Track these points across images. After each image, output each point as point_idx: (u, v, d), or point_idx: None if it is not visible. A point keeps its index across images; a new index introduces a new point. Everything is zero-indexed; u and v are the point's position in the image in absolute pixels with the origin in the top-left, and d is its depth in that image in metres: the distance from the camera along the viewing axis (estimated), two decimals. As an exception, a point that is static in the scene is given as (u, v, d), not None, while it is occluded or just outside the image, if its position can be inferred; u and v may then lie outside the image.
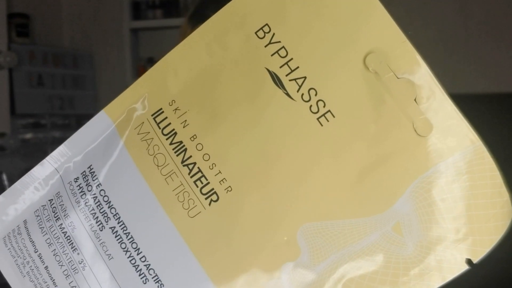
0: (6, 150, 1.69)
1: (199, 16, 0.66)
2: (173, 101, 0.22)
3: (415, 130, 0.20)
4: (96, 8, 2.13)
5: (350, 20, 0.21)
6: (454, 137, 0.20)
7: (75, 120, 2.01)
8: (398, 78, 0.21)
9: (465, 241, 0.20)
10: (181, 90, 0.22)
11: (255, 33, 0.22)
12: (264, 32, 0.22)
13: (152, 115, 0.22)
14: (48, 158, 0.24)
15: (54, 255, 0.22)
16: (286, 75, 0.21)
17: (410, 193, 0.20)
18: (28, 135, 1.85)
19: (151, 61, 2.01)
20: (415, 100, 0.20)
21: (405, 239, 0.20)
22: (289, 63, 0.21)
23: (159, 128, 0.22)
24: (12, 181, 1.53)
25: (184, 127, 0.22)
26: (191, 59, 0.23)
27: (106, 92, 2.13)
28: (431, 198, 0.20)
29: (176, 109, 0.22)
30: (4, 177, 1.49)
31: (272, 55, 0.21)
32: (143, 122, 0.23)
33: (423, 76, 0.21)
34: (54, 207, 0.23)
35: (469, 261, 0.20)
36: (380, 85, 0.21)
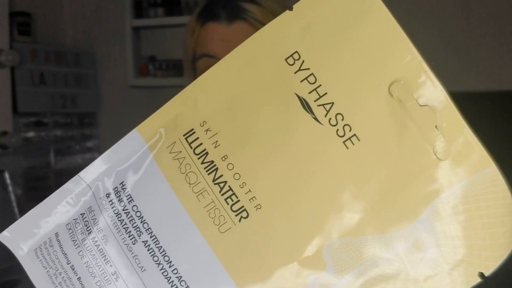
0: (8, 148, 1.69)
1: (208, 14, 0.65)
2: (204, 122, 0.23)
3: (435, 154, 0.22)
4: (98, 7, 2.13)
5: (376, 51, 0.22)
6: (471, 161, 0.22)
7: (77, 119, 2.01)
8: (420, 105, 0.22)
9: (478, 257, 0.21)
10: (212, 112, 0.23)
11: (285, 59, 0.23)
12: (294, 59, 0.23)
13: (184, 135, 0.23)
14: (80, 174, 0.25)
15: (86, 266, 0.23)
16: (315, 101, 0.22)
17: (429, 213, 0.22)
18: (30, 134, 1.85)
19: (153, 59, 2.01)
20: (436, 126, 0.22)
21: (424, 255, 0.22)
22: (317, 89, 0.22)
23: (191, 148, 0.23)
24: (14, 179, 1.54)
25: (215, 147, 0.23)
26: (223, 82, 0.24)
27: (108, 90, 2.13)
28: (448, 217, 0.22)
29: (207, 130, 0.23)
30: (6, 175, 1.49)
31: (301, 81, 0.22)
32: (175, 142, 0.24)
33: (443, 103, 0.22)
34: (86, 221, 0.24)
35: (481, 275, 0.22)
36: (403, 111, 0.22)
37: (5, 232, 0.25)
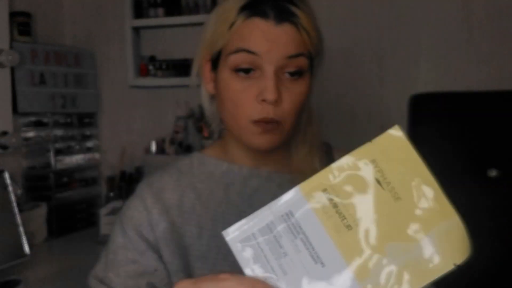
0: (9, 148, 1.70)
1: (255, 10, 0.64)
2: (332, 186, 0.47)
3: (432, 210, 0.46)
4: (98, 7, 2.13)
5: (408, 163, 0.47)
6: (440, 217, 0.46)
7: (77, 119, 2.01)
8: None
9: (451, 257, 0.44)
10: (336, 182, 0.47)
11: (371, 162, 0.47)
12: (374, 163, 0.47)
13: (322, 191, 0.47)
14: (270, 206, 0.47)
15: (269, 249, 0.46)
16: (384, 182, 0.46)
17: (433, 234, 0.45)
18: (30, 134, 1.85)
19: (153, 59, 2.02)
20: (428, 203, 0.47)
21: (427, 254, 0.45)
22: (384, 177, 0.46)
23: (326, 198, 0.47)
24: (14, 179, 1.54)
25: (337, 197, 0.46)
26: (337, 174, 0.48)
27: (108, 90, 2.14)
28: (444, 238, 0.45)
29: (333, 190, 0.47)
30: (6, 175, 1.49)
31: (377, 172, 0.46)
32: (318, 195, 0.47)
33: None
34: (270, 228, 0.46)
35: (454, 264, 0.44)
36: (420, 193, 0.47)
37: (228, 230, 0.47)
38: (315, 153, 0.75)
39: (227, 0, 0.67)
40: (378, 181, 0.46)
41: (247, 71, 0.65)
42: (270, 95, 0.64)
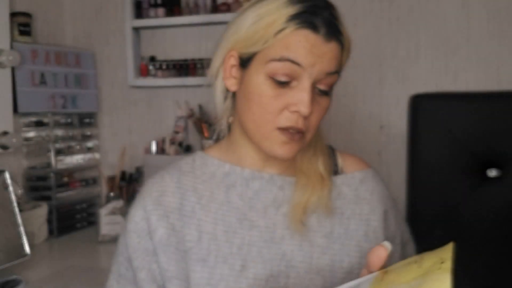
0: (9, 148, 1.70)
1: (306, 22, 0.63)
2: None
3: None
4: (98, 7, 2.13)
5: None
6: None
7: (77, 119, 2.01)
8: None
9: None
10: None
11: None
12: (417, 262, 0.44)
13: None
14: None
15: None
16: None
17: None
18: (31, 134, 1.86)
19: (153, 60, 2.02)
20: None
21: None
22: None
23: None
24: (14, 179, 1.54)
25: None
26: None
27: (108, 90, 2.14)
28: None
29: None
30: (7, 175, 1.49)
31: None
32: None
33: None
34: None
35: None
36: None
37: None
38: (319, 156, 0.75)
39: (270, 2, 0.66)
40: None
41: (283, 83, 0.64)
42: (305, 109, 0.63)
